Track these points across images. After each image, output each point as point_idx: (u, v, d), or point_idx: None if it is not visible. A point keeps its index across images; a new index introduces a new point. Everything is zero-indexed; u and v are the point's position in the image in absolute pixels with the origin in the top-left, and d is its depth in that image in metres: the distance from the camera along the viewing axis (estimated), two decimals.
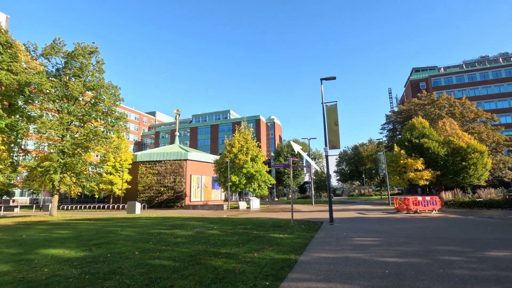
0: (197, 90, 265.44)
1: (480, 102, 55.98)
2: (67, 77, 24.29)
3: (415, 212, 19.28)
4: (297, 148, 14.05)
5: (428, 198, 19.85)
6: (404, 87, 77.16)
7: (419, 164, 30.64)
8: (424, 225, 12.90)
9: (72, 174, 24.09)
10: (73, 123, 24.55)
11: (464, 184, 32.28)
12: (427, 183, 32.11)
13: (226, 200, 40.38)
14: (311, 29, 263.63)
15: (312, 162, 30.77)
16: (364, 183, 69.18)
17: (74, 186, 25.65)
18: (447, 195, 25.77)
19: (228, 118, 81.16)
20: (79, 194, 37.38)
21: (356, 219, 16.35)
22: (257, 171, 31.79)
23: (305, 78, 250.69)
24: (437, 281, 4.70)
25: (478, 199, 23.30)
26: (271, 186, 37.39)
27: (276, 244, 8.32)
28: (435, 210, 19.40)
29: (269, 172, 37.78)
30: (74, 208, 37.90)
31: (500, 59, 65.06)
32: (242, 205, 31.42)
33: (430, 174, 30.89)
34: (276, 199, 64.55)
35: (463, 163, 30.17)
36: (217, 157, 38.03)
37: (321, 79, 15.86)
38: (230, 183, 31.25)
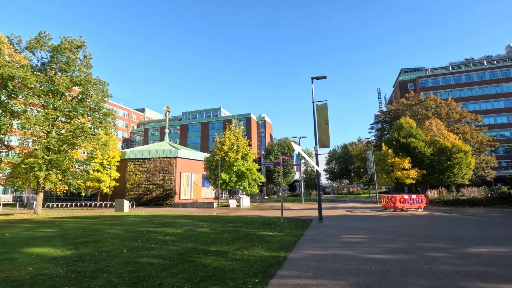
0: (187, 87, 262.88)
1: (465, 103, 57.52)
2: (53, 72, 23.64)
3: (402, 210, 19.72)
4: (298, 148, 14.07)
5: (414, 196, 20.35)
6: (393, 87, 78.52)
7: (406, 163, 31.31)
8: (410, 222, 13.22)
9: (57, 171, 23.52)
10: (59, 119, 23.93)
11: (448, 183, 33.20)
12: (414, 182, 32.86)
13: (216, 198, 40.26)
14: (302, 28, 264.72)
15: (312, 162, 30.81)
16: (353, 181, 70.20)
17: (60, 184, 25.05)
18: (433, 194, 26.46)
19: (218, 116, 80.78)
20: (65, 191, 36.54)
21: (345, 217, 16.59)
22: (247, 169, 31.79)
23: (296, 76, 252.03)
24: (421, 277, 4.83)
25: (461, 198, 24.03)
26: (261, 184, 37.49)
27: (266, 241, 8.37)
28: (420, 208, 19.89)
29: (260, 170, 37.89)
30: (59, 206, 37.03)
31: (485, 62, 67.12)
32: (232, 203, 31.40)
33: (416, 173, 31.61)
34: (266, 197, 64.79)
35: (448, 162, 31.01)
36: (208, 155, 37.84)
37: (312, 78, 15.98)
38: (221, 181, 31.16)
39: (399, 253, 6.80)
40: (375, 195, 35.68)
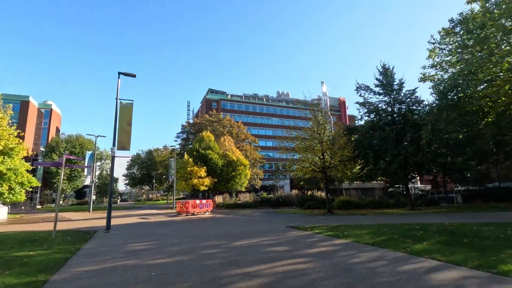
0: None
1: (250, 127, 73.32)
2: None
3: (193, 214, 21.66)
4: None
5: (204, 201, 23.04)
6: (201, 103, 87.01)
7: (203, 172, 35.06)
8: (197, 225, 14.72)
9: None
10: None
11: (232, 190, 40.40)
12: (207, 189, 37.28)
13: None
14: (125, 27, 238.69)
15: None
16: (153, 188, 69.49)
17: None
18: (219, 199, 31.26)
19: None
20: None
21: (137, 224, 15.93)
22: (10, 169, 23.41)
23: (100, 70, 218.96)
24: (195, 273, 5.37)
25: (238, 202, 30.04)
26: (31, 189, 28.76)
27: (19, 265, 6.35)
28: (208, 212, 22.75)
29: (34, 171, 28.91)
30: None
31: (264, 99, 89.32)
32: None
33: (209, 181, 36.07)
34: (39, 206, 50.59)
35: (233, 173, 37.86)
36: None
37: (119, 73, 14.64)
38: None
39: (181, 254, 7.27)
40: (172, 201, 37.08)
